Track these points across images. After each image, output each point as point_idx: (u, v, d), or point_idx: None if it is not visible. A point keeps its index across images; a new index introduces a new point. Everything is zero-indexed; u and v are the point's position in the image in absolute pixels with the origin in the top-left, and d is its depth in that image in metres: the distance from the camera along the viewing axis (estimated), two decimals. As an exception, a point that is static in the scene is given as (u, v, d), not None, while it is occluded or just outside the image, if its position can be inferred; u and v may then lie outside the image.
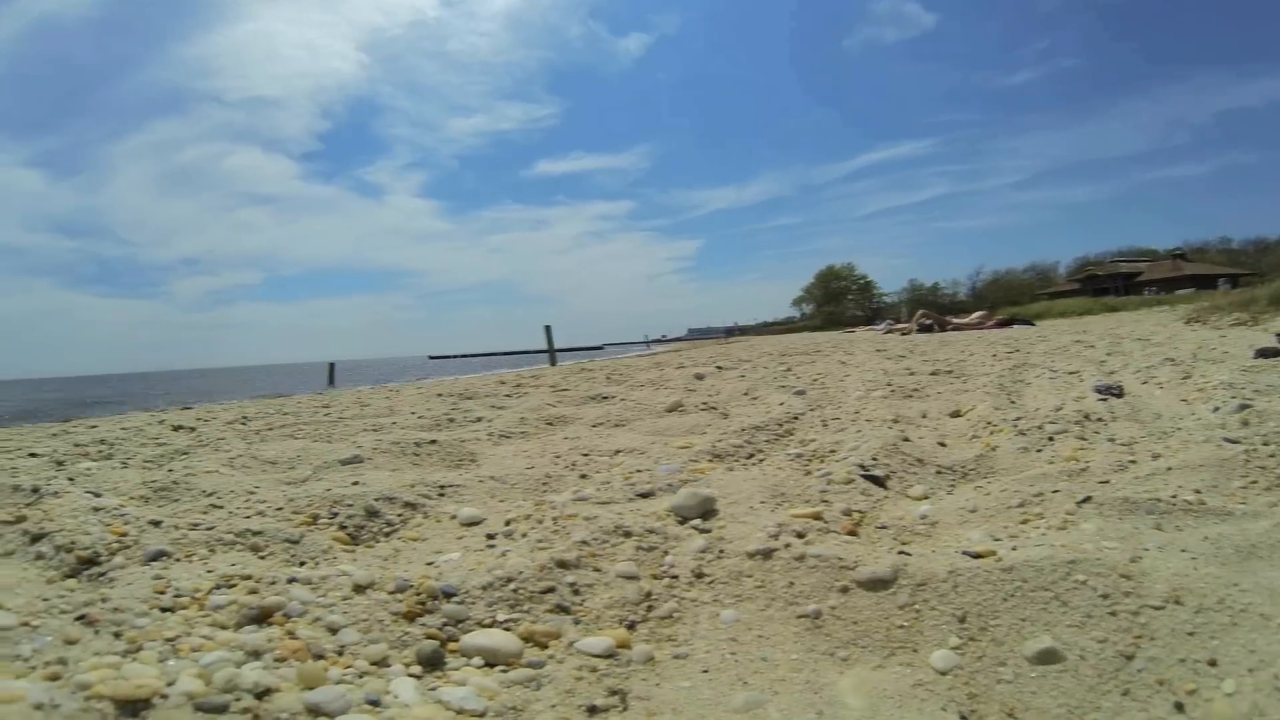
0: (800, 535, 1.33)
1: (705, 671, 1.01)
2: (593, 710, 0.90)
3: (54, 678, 0.90)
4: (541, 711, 0.89)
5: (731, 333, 60.96)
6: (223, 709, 0.82)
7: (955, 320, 15.45)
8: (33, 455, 2.91)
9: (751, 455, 2.30)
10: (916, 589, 1.13)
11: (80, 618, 1.11)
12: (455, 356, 50.81)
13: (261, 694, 0.84)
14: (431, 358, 56.33)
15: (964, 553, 1.20)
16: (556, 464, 2.30)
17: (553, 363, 16.95)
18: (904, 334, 12.63)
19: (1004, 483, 1.71)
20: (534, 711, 0.89)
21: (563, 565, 1.23)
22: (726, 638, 1.08)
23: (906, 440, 2.20)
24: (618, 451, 2.46)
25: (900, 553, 1.26)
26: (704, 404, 3.65)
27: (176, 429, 3.83)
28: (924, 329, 14.10)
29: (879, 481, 1.78)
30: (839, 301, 53.11)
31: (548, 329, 19.40)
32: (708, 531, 1.39)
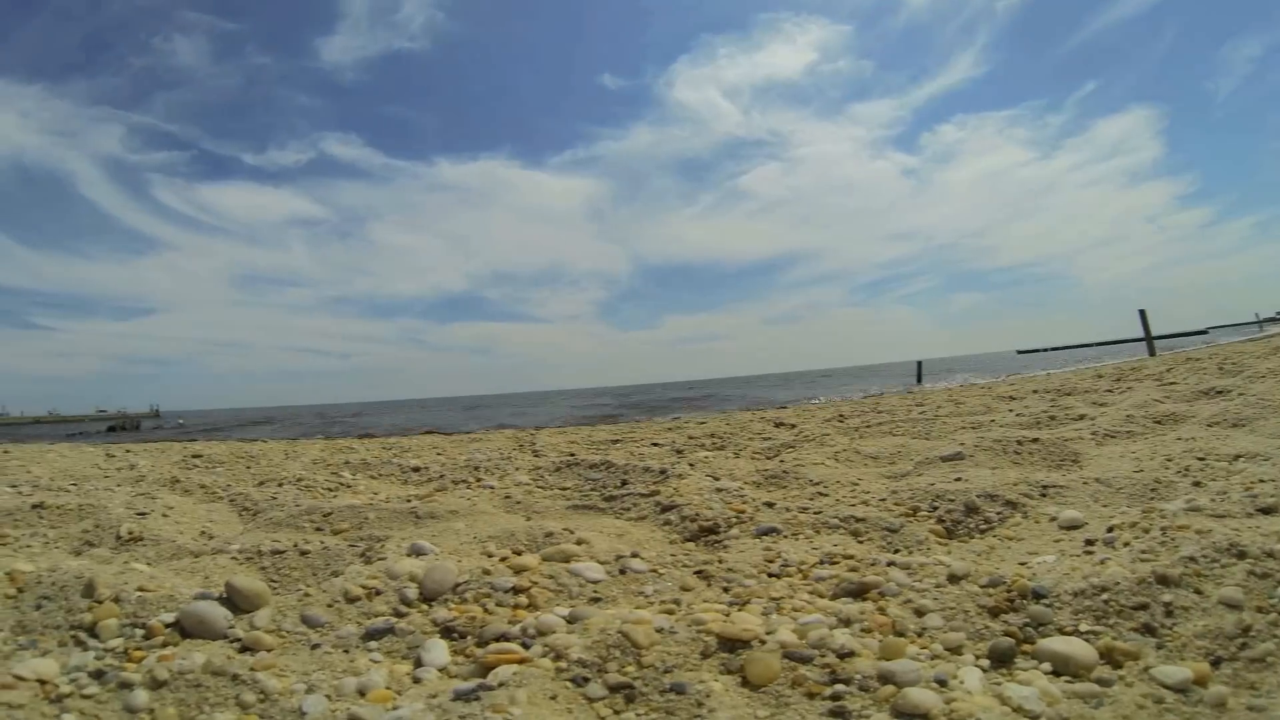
0: None
1: (1273, 733, 0.84)
2: (1141, 743, 0.85)
3: (669, 612, 1.22)
4: (1092, 730, 0.87)
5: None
6: (807, 660, 1.01)
7: None
8: (654, 445, 3.97)
9: (1404, 471, 1.67)
10: None
11: (698, 572, 1.50)
12: (1044, 350, 50.06)
13: (844, 655, 1.02)
14: (1020, 352, 56.00)
15: None
16: (1167, 468, 2.11)
17: (1151, 352, 14.80)
18: None
19: None
20: (1084, 728, 0.88)
21: (1163, 581, 1.14)
22: (1316, 699, 0.87)
23: None
24: (1237, 457, 2.13)
25: None
26: (1343, 399, 2.77)
27: (778, 425, 4.64)
28: None
29: None
30: None
31: (1142, 313, 16.62)
32: (1338, 563, 1.10)
